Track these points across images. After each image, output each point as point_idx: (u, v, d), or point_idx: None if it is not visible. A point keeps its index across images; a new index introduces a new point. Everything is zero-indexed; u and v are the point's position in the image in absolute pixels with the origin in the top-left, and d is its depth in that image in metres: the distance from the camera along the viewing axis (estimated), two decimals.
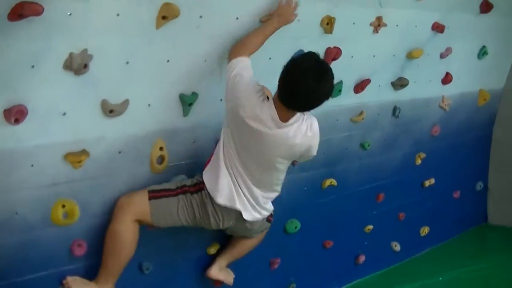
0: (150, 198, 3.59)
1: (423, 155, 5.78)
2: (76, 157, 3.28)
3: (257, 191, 3.71)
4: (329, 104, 4.26)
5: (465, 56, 5.68)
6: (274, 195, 3.86)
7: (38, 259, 3.37)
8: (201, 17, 3.49)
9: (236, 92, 3.46)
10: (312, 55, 3.46)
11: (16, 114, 2.95)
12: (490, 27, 5.66)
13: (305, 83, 3.29)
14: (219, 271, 4.15)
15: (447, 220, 6.36)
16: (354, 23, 4.32)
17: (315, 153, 3.76)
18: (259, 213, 3.80)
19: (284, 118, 3.47)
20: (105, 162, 3.46)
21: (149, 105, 3.52)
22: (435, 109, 5.70)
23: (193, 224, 3.75)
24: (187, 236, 4.05)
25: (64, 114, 3.16)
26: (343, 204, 5.11)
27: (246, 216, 3.73)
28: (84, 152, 3.31)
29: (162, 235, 3.86)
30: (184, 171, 3.85)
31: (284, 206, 4.38)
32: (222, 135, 3.63)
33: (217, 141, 3.72)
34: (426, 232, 6.14)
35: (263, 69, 3.84)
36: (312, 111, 3.57)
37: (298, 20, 3.91)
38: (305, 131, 3.57)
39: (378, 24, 4.51)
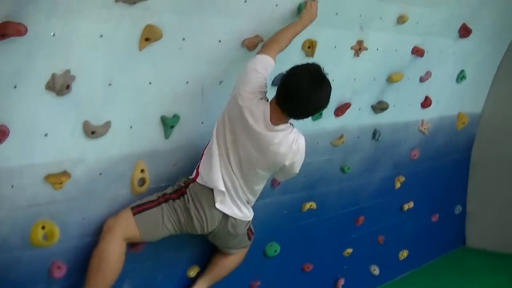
0: (134, 214, 3.59)
1: (402, 178, 5.81)
2: (57, 178, 3.26)
3: (238, 183, 3.72)
4: (310, 128, 4.33)
5: (444, 80, 5.74)
6: (251, 198, 3.86)
7: (16, 281, 3.33)
8: (183, 39, 3.50)
9: (244, 82, 3.56)
10: (313, 64, 3.60)
11: None
12: (469, 51, 5.74)
13: (302, 87, 3.45)
14: None
15: (426, 243, 6.39)
16: (335, 47, 4.36)
17: (297, 171, 3.80)
18: (239, 208, 3.80)
19: (275, 122, 3.54)
20: (86, 184, 3.44)
21: (131, 127, 3.52)
22: (414, 133, 5.75)
23: (179, 231, 3.75)
24: (167, 257, 4.03)
25: (46, 135, 3.15)
26: (323, 227, 5.11)
27: (221, 207, 3.71)
28: (65, 173, 3.30)
29: (143, 256, 3.84)
30: None
31: (264, 229, 4.39)
32: (217, 124, 3.66)
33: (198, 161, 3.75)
34: (405, 255, 6.16)
35: None
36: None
37: None
38: (291, 142, 3.61)
39: (359, 48, 4.55)
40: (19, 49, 2.87)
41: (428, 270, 6.41)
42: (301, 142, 3.69)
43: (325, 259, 5.14)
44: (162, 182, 3.83)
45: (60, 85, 3.06)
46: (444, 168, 6.34)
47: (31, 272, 3.38)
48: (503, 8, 5.54)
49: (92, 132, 3.32)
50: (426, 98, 5.61)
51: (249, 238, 4.12)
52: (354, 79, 4.71)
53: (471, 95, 6.27)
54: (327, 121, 4.66)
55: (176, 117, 3.69)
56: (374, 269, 5.81)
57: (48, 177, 3.25)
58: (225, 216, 3.78)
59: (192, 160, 3.90)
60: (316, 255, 5.11)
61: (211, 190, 3.69)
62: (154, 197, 3.71)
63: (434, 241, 6.53)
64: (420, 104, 5.62)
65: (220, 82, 3.83)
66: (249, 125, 3.55)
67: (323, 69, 3.57)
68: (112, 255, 3.48)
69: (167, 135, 3.70)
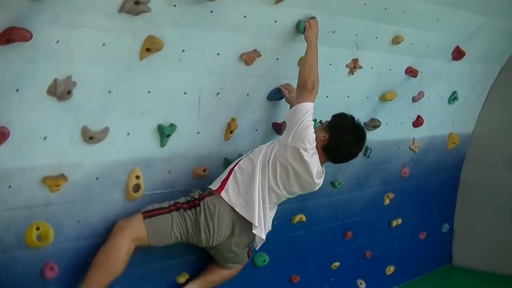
0: (144, 218, 3.72)
1: (391, 195, 5.87)
2: (54, 181, 3.32)
3: (268, 212, 3.99)
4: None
5: (437, 101, 5.82)
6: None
7: (9, 281, 3.37)
8: (183, 51, 3.57)
9: (305, 138, 3.81)
10: (355, 121, 4.09)
11: None
12: (462, 73, 5.83)
13: (352, 149, 4.09)
14: None
15: (412, 260, 6.42)
16: (330, 64, 4.44)
17: None
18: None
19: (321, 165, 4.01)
20: (82, 187, 3.50)
21: (128, 134, 3.58)
22: (405, 151, 5.82)
23: (185, 240, 3.87)
24: (156, 265, 4.09)
25: (45, 138, 3.21)
26: (311, 240, 5.15)
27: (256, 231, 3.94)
28: (62, 177, 3.36)
29: (131, 263, 3.89)
30: (159, 200, 3.88)
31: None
32: (263, 159, 3.90)
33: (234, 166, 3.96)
34: (392, 271, 6.18)
35: (241, 103, 3.99)
36: None
37: (277, 59, 4.04)
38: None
39: (354, 66, 4.64)
40: (23, 54, 2.93)
41: (414, 286, 6.42)
42: None
43: (313, 271, 5.17)
44: (156, 189, 3.89)
45: (61, 90, 3.12)
46: (433, 186, 6.40)
47: (24, 272, 3.43)
48: (496, 32, 5.61)
49: (90, 137, 3.38)
50: (418, 117, 5.69)
51: (248, 257, 4.26)
52: (348, 96, 4.78)
53: (463, 116, 6.35)
54: None
55: (172, 126, 3.75)
56: (361, 283, 5.84)
57: (45, 180, 3.31)
58: (232, 234, 3.95)
59: (187, 168, 3.99)
60: (304, 267, 5.14)
61: (231, 207, 3.88)
62: (165, 204, 3.83)
63: (421, 258, 6.56)
64: (412, 123, 5.69)
65: (217, 93, 3.89)
66: (308, 176, 3.92)
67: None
68: (118, 253, 3.59)
69: (163, 144, 3.76)
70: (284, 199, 4.09)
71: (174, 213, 3.80)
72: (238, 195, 3.88)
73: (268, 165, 3.88)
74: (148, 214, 3.74)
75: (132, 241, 3.64)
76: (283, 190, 3.97)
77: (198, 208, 3.83)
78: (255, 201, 3.87)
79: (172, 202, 3.84)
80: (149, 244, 3.75)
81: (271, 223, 4.10)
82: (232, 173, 3.91)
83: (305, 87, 3.86)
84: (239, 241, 4.00)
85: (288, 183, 3.95)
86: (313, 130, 3.86)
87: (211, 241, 3.87)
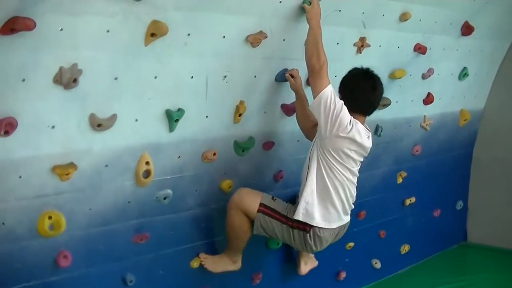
0: (258, 211, 4.11)
1: (404, 173, 5.86)
2: (63, 169, 3.33)
3: (348, 203, 4.19)
4: None
5: (447, 77, 5.79)
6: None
7: (23, 270, 3.40)
8: (189, 35, 3.54)
9: (342, 122, 3.85)
10: (361, 69, 4.13)
11: (6, 127, 3.00)
12: (471, 49, 5.78)
13: (371, 94, 4.07)
14: (305, 266, 4.89)
15: (427, 238, 6.43)
16: (338, 43, 4.41)
17: None
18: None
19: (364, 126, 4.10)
20: (92, 175, 3.51)
21: (136, 120, 3.58)
22: (416, 129, 5.80)
23: (289, 244, 4.29)
24: (169, 250, 4.11)
25: (53, 127, 3.21)
26: None
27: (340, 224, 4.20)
28: (71, 165, 3.36)
29: (145, 249, 3.91)
30: (169, 186, 3.91)
31: None
32: (327, 168, 3.98)
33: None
34: (407, 250, 6.20)
35: (248, 85, 3.98)
36: None
37: (283, 40, 4.01)
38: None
39: (361, 45, 4.60)
40: (27, 43, 2.92)
41: (429, 265, 6.45)
42: None
43: (327, 252, 5.13)
44: (167, 175, 3.90)
45: (67, 79, 3.11)
46: (446, 164, 6.39)
47: (37, 261, 3.45)
48: (505, 6, 5.57)
49: (98, 124, 3.37)
50: (429, 94, 5.66)
51: None
52: None
53: (473, 92, 6.32)
54: None
55: (180, 111, 3.74)
56: (376, 263, 5.86)
57: (55, 169, 3.31)
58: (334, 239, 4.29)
59: (196, 153, 3.99)
60: None
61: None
62: (281, 209, 4.16)
63: (436, 236, 6.57)
64: (422, 101, 5.67)
65: (224, 77, 3.87)
66: (365, 147, 4.05)
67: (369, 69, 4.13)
68: (242, 226, 4.15)
69: (171, 129, 3.76)
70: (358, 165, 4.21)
71: (285, 226, 4.11)
72: (327, 213, 4.07)
73: (329, 163, 3.97)
74: (263, 210, 4.12)
75: (245, 215, 4.12)
76: (351, 171, 4.08)
77: (308, 234, 4.07)
78: (338, 207, 4.09)
79: (286, 211, 4.13)
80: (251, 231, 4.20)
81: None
82: (316, 195, 4.04)
83: (313, 70, 3.86)
84: (342, 231, 4.34)
85: (349, 161, 4.02)
86: (344, 108, 3.87)
87: (319, 249, 4.21)
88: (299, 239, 4.10)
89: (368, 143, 4.06)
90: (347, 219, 4.25)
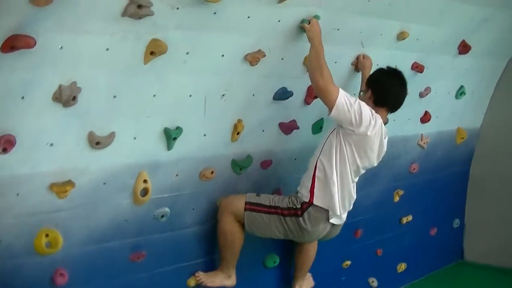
0: (245, 209, 4.15)
1: (401, 191, 5.87)
2: (61, 187, 3.32)
3: (349, 199, 4.24)
4: (311, 141, 4.37)
5: (444, 96, 5.81)
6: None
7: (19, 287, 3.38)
8: (187, 53, 3.55)
9: (364, 119, 3.93)
10: (390, 67, 4.30)
11: (5, 144, 2.99)
12: (468, 67, 5.81)
13: (400, 90, 4.23)
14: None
15: (424, 256, 6.42)
16: (335, 62, 4.40)
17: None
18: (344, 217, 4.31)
19: (384, 121, 4.17)
20: (90, 193, 3.50)
21: (134, 138, 3.57)
22: (413, 147, 5.81)
23: (284, 237, 4.27)
24: (166, 268, 4.10)
25: (52, 144, 3.20)
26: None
27: (335, 221, 4.21)
28: (69, 183, 3.35)
29: (142, 267, 3.92)
30: (167, 204, 3.91)
31: (263, 241, 4.45)
32: (337, 156, 4.06)
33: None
34: (403, 268, 6.19)
35: (246, 104, 3.99)
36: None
37: (282, 59, 4.02)
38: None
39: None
40: (27, 61, 2.92)
41: (426, 283, 6.43)
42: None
43: (324, 270, 5.16)
44: (164, 193, 3.89)
45: (66, 96, 3.11)
46: (443, 182, 6.39)
47: (34, 279, 3.43)
48: (502, 25, 5.58)
49: (96, 142, 3.37)
50: (426, 113, 5.68)
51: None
52: (354, 94, 4.74)
53: (470, 110, 6.34)
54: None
55: (179, 129, 3.74)
56: (372, 281, 5.84)
57: (53, 186, 3.31)
58: (333, 225, 4.24)
59: (194, 171, 3.98)
60: (314, 267, 5.10)
61: (326, 210, 4.12)
62: (267, 201, 4.19)
63: (432, 254, 6.57)
64: (419, 119, 5.69)
65: (223, 95, 3.88)
66: (382, 143, 4.17)
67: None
68: (234, 232, 4.17)
69: (169, 147, 3.76)
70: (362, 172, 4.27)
71: (274, 216, 4.14)
72: (327, 198, 4.10)
73: (342, 160, 4.06)
74: (250, 207, 4.15)
75: (236, 220, 4.14)
76: (357, 171, 4.19)
77: (302, 217, 4.08)
78: (336, 198, 4.10)
79: (272, 202, 4.17)
80: (245, 231, 4.20)
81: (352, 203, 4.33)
82: (314, 181, 4.09)
83: (318, 86, 3.91)
84: (335, 230, 4.33)
85: (365, 156, 4.11)
86: (362, 105, 3.95)
87: (314, 238, 4.30)
88: (293, 227, 4.13)
89: (385, 140, 4.20)
90: (342, 219, 4.27)
